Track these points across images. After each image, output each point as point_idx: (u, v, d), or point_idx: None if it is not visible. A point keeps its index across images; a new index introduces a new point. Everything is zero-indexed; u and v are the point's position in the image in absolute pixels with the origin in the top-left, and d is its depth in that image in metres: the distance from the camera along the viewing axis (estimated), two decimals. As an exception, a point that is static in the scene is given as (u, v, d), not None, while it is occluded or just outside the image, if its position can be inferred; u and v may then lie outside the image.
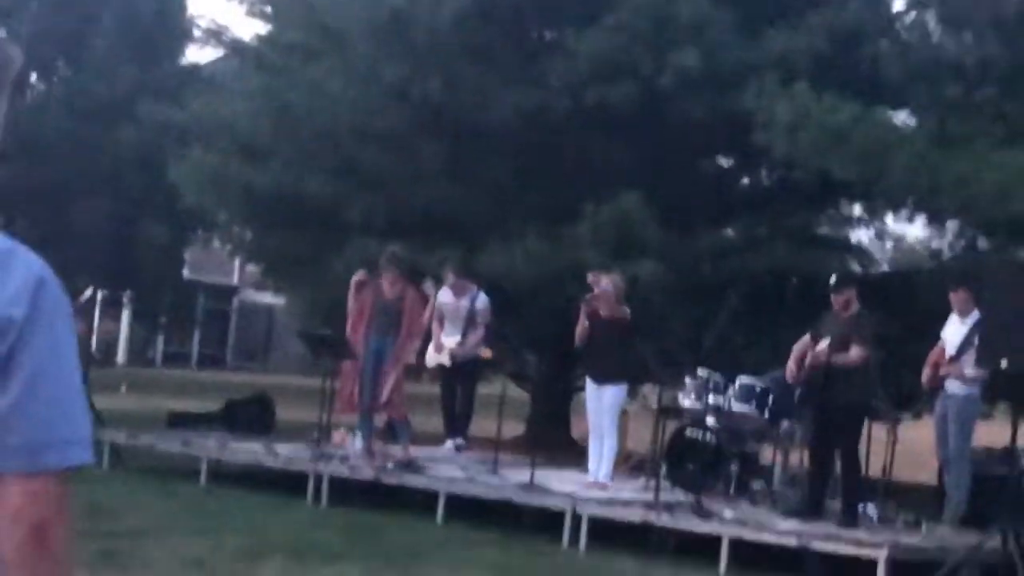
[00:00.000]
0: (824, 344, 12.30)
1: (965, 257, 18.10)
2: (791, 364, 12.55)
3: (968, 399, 12.99)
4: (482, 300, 15.54)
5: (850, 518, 12.19)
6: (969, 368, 12.64)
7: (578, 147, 18.19)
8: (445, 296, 15.59)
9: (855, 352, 12.22)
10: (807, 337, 12.62)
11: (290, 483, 14.22)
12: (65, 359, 2.42)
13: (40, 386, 2.37)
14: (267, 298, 37.66)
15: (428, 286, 15.61)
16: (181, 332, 45.79)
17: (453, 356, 15.44)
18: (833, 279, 12.97)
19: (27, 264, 2.43)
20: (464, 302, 15.54)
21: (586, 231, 16.73)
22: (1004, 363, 11.23)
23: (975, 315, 12.70)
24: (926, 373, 13.04)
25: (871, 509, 12.82)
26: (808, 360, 12.40)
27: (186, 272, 34.08)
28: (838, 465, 12.47)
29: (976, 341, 12.50)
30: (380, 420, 14.80)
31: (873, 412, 12.69)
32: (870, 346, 12.32)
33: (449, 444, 15.82)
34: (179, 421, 17.60)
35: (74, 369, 2.44)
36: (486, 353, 15.48)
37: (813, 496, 12.46)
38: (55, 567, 2.36)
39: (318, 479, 14.01)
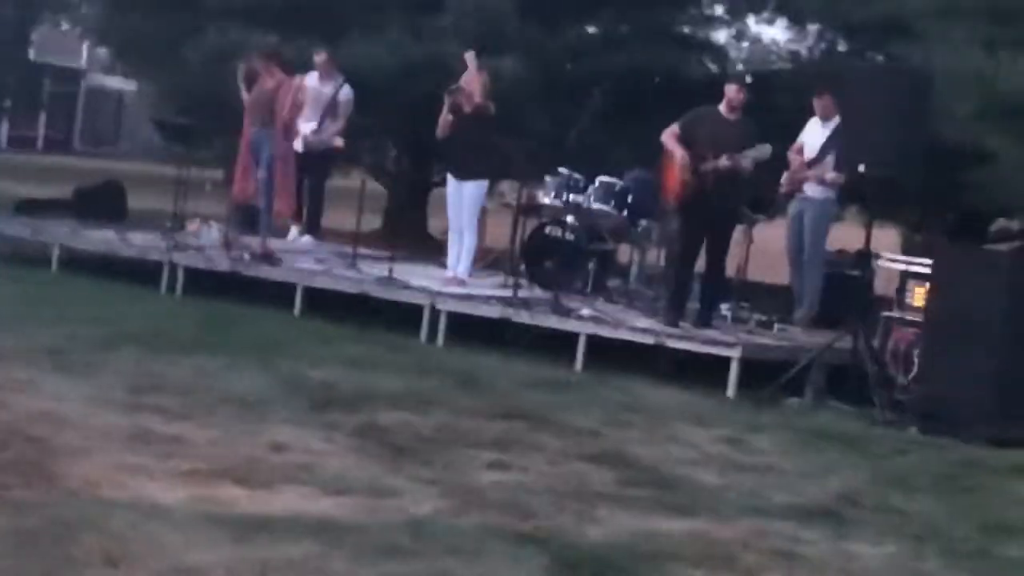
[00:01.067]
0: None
1: (824, 61, 18.18)
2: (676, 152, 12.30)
3: (826, 202, 13.16)
4: (346, 91, 15.35)
5: (707, 319, 12.31)
6: (830, 172, 12.78)
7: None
8: (310, 80, 15.36)
9: (753, 155, 12.00)
10: (675, 127, 12.43)
11: (144, 273, 14.05)
12: None
13: None
14: (117, 83, 36.75)
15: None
16: (27, 116, 44.64)
17: (307, 143, 15.23)
18: (748, 78, 12.86)
19: None
20: (328, 89, 15.34)
21: (448, 23, 16.49)
22: (862, 168, 11.36)
23: (836, 120, 12.80)
24: (786, 177, 13.14)
25: (725, 309, 13.01)
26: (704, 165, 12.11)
27: (32, 54, 33.08)
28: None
29: (836, 145, 12.63)
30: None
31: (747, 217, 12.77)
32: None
33: (293, 232, 15.68)
34: (27, 207, 17.21)
35: None
36: (339, 144, 15.31)
37: (677, 297, 12.45)
38: None
39: (173, 269, 13.85)
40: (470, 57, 13.52)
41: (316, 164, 15.62)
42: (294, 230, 15.72)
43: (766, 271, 14.55)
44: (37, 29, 31.35)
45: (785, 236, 13.38)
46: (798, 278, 13.33)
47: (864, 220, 12.54)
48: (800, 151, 13.19)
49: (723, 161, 11.94)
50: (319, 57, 15.36)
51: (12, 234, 15.19)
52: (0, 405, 7.96)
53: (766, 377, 11.18)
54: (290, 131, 14.90)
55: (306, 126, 15.23)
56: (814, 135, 13.12)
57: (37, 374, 9.03)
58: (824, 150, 12.89)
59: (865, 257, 12.14)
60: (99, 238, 14.97)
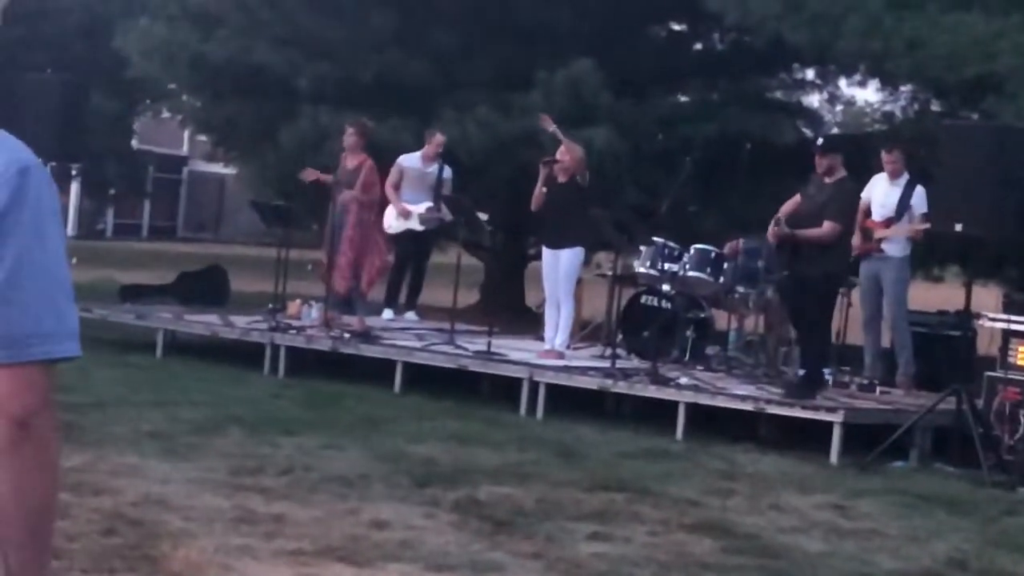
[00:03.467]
0: (775, 224, 12.06)
1: (917, 120, 18.11)
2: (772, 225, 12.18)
3: (904, 260, 13.05)
4: (448, 171, 15.53)
5: (808, 390, 12.09)
6: (917, 226, 12.63)
7: (528, 13, 18.02)
8: (412, 162, 15.54)
9: (826, 227, 11.91)
10: (797, 197, 12.38)
11: (247, 355, 14.20)
12: (51, 250, 2.36)
13: (25, 276, 2.32)
14: (217, 168, 37.33)
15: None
16: (131, 203, 45.42)
17: (424, 221, 15.41)
18: (820, 140, 12.84)
19: (10, 151, 2.36)
20: (431, 169, 15.52)
21: (538, 98, 16.63)
22: (959, 227, 11.28)
23: (906, 176, 12.75)
24: (858, 238, 12.96)
25: (826, 373, 12.93)
26: (769, 232, 12.19)
27: (135, 143, 33.68)
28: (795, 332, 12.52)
29: (913, 202, 12.58)
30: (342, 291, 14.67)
31: (847, 283, 12.66)
32: (845, 218, 12.10)
33: (388, 313, 15.80)
34: (132, 293, 17.52)
35: (61, 260, 2.38)
36: (450, 218, 15.47)
37: (808, 369, 12.27)
38: (39, 459, 2.33)
39: (275, 350, 14.00)
40: (562, 155, 13.49)
41: (422, 241, 15.81)
42: (387, 312, 15.83)
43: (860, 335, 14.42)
44: (139, 118, 31.94)
45: (860, 298, 13.23)
46: (871, 339, 13.14)
47: (964, 280, 12.43)
48: (866, 212, 13.04)
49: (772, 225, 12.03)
50: (440, 138, 15.55)
51: (117, 320, 15.43)
52: (106, 490, 8.07)
53: (869, 441, 11.08)
54: (378, 211, 14.95)
55: (419, 206, 15.38)
56: (884, 192, 13.00)
57: (141, 458, 9.15)
58: (902, 207, 12.79)
59: (966, 317, 12.03)
60: (202, 322, 15.17)
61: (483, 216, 14.42)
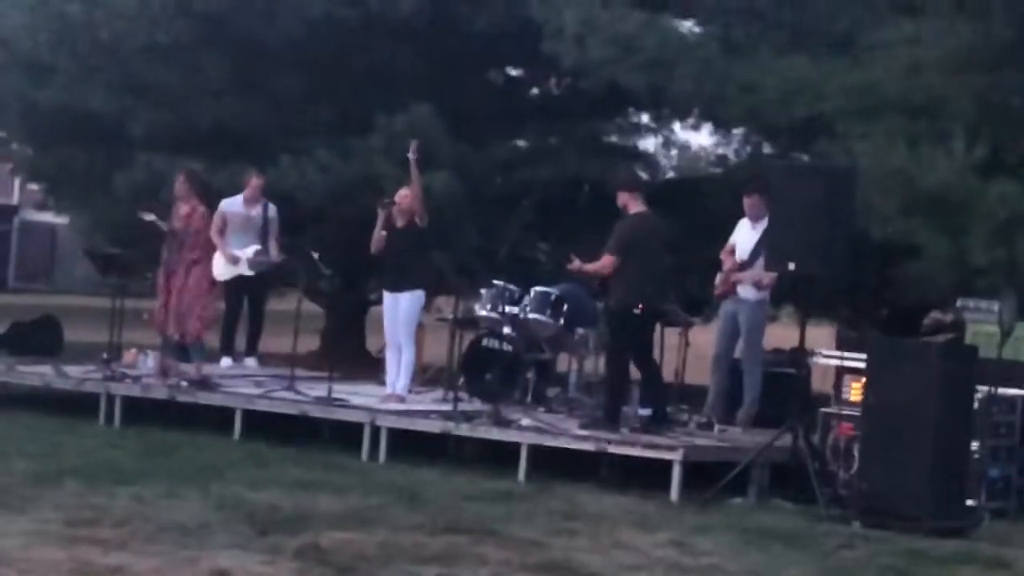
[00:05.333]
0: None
1: (750, 163, 18.42)
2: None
3: (760, 303, 13.24)
4: (273, 209, 15.42)
5: (609, 424, 12.31)
6: (765, 274, 12.81)
7: (367, 58, 18.00)
8: (234, 206, 15.39)
9: (603, 260, 12.47)
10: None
11: (82, 405, 13.96)
12: None
13: None
14: (49, 217, 36.65)
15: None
16: (-39, 254, 44.47)
17: (254, 265, 15.26)
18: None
19: None
20: (256, 212, 15.39)
21: (378, 143, 16.62)
22: (791, 266, 11.49)
23: (766, 221, 12.94)
24: (720, 278, 13.19)
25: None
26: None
27: (-36, 192, 33.03)
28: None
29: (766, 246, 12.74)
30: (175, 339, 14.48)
31: (654, 316, 12.73)
32: (622, 251, 12.37)
33: (226, 361, 15.65)
34: (-38, 345, 17.08)
35: None
36: (279, 259, 15.34)
37: (608, 405, 12.53)
38: None
39: (110, 399, 13.78)
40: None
41: (256, 286, 15.68)
42: (225, 360, 15.66)
43: (708, 374, 14.57)
44: (-33, 168, 31.29)
45: (715, 336, 13.41)
46: (718, 377, 13.30)
47: (798, 318, 12.65)
48: (732, 252, 13.29)
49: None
50: (257, 180, 15.41)
51: (-53, 373, 15.05)
52: (-64, 545, 7.86)
53: (709, 479, 11.20)
54: (209, 257, 14.77)
55: (247, 250, 15.25)
56: (745, 237, 13.21)
57: (-26, 512, 8.93)
58: (756, 252, 12.96)
59: (801, 355, 12.24)
60: (35, 373, 14.86)
61: (315, 255, 14.31)
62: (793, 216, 11.42)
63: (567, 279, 13.64)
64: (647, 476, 11.47)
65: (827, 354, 12.43)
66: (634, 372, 12.67)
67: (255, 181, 15.45)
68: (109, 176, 17.92)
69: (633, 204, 12.63)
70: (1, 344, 17.01)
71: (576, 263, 12.80)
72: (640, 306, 12.32)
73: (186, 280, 14.05)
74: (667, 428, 12.38)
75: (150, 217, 14.48)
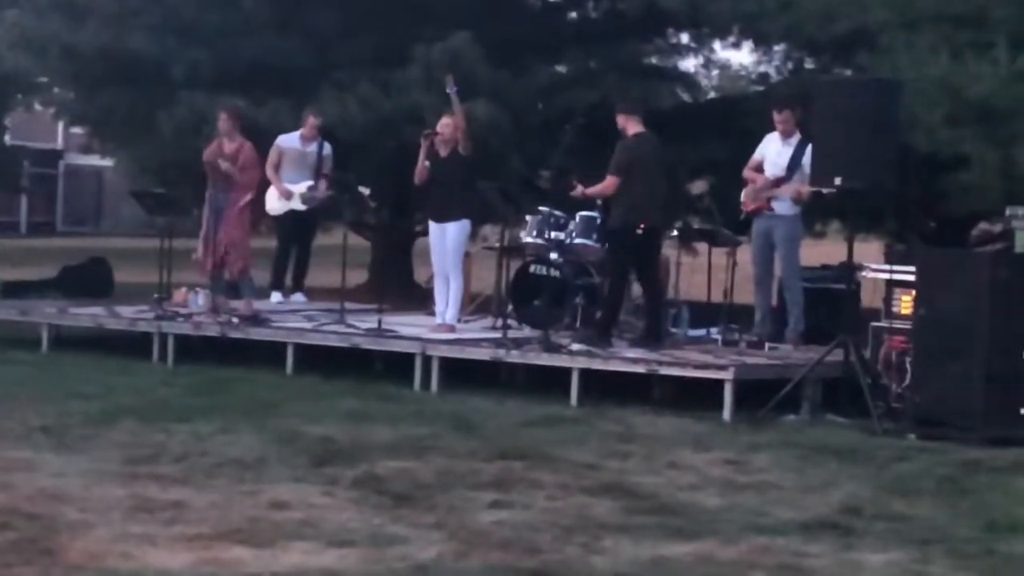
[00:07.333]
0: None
1: (792, 79, 18.29)
2: None
3: (796, 218, 13.20)
4: (328, 148, 15.48)
5: (651, 340, 12.55)
6: (802, 187, 12.79)
7: (403, -11, 17.97)
8: (291, 142, 15.47)
9: (605, 182, 12.67)
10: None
11: (134, 345, 14.07)
12: None
13: None
14: (94, 160, 36.80)
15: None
16: (7, 201, 44.72)
17: (307, 201, 15.34)
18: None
19: None
20: (311, 149, 15.45)
21: (417, 73, 16.60)
22: (838, 181, 11.43)
23: (798, 136, 12.89)
24: (749, 194, 13.14)
25: (715, 333, 13.07)
26: None
27: (8, 138, 33.17)
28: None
29: (804, 161, 12.69)
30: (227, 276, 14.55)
31: (655, 235, 12.82)
32: (621, 172, 12.51)
33: (276, 296, 15.74)
34: (14, 290, 17.23)
35: None
36: (328, 194, 15.41)
37: (602, 321, 12.82)
38: None
39: (163, 338, 13.86)
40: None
41: (307, 222, 15.75)
42: (275, 295, 15.75)
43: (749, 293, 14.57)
44: (11, 113, 31.42)
45: (751, 255, 13.38)
46: (761, 296, 13.31)
47: (846, 234, 12.59)
48: (758, 168, 13.23)
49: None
50: (315, 120, 15.48)
51: (1, 317, 15.18)
52: (-1, 486, 7.97)
53: (761, 397, 11.21)
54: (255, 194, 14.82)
55: (300, 185, 15.32)
56: (776, 152, 13.15)
57: (34, 453, 9.03)
58: (792, 166, 12.94)
59: (850, 269, 12.20)
60: (87, 315, 14.98)
61: (366, 191, 14.33)
62: (839, 130, 11.36)
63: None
64: (699, 397, 11.49)
65: (876, 268, 12.38)
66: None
67: (313, 120, 15.53)
68: (152, 117, 17.97)
69: (632, 125, 12.77)
70: (53, 287, 17.16)
71: (579, 188, 13.00)
72: (642, 225, 12.45)
73: (234, 216, 14.10)
74: (659, 346, 12.58)
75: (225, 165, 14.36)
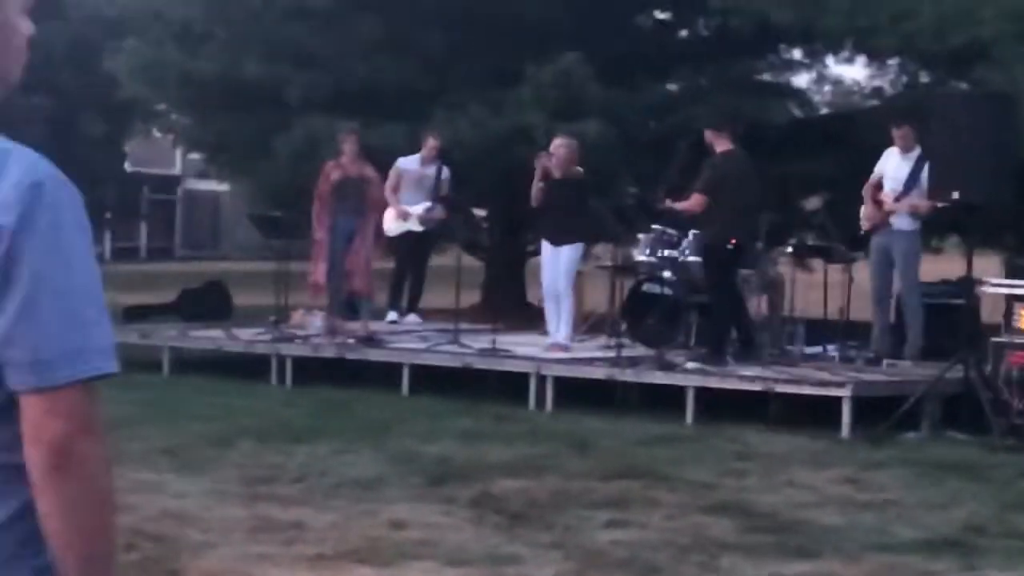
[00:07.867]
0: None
1: (907, 93, 18.12)
2: None
3: (915, 234, 13.06)
4: (446, 171, 15.59)
5: (715, 357, 12.51)
6: (922, 201, 12.65)
7: (514, 9, 18.03)
8: (410, 164, 15.61)
9: (692, 199, 12.67)
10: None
11: (253, 367, 14.22)
12: (75, 266, 2.21)
13: (43, 297, 2.18)
14: (212, 185, 37.37)
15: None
16: (127, 226, 45.46)
17: (424, 222, 15.47)
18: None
19: (24, 166, 2.24)
20: (430, 171, 15.58)
21: (528, 94, 16.66)
22: (956, 195, 11.30)
23: (917, 151, 12.76)
24: (868, 212, 13.03)
25: (831, 349, 12.96)
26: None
27: (128, 165, 33.77)
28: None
29: (923, 176, 12.55)
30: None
31: (742, 251, 12.75)
32: (709, 190, 12.51)
33: (392, 315, 15.88)
34: (135, 314, 17.52)
35: (88, 275, 2.23)
36: (445, 215, 15.56)
37: (717, 338, 12.84)
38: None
39: (281, 360, 14.02)
40: (555, 149, 13.60)
41: (423, 243, 15.89)
42: (392, 314, 15.90)
43: (868, 310, 14.44)
44: (131, 140, 31.99)
45: (870, 271, 13.26)
46: (880, 313, 13.19)
47: (964, 249, 12.44)
48: (878, 185, 13.10)
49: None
50: (434, 141, 15.63)
51: (122, 341, 15.39)
52: (123, 507, 8.08)
53: (878, 414, 11.10)
54: (383, 215, 15.08)
55: (418, 207, 15.46)
56: (896, 167, 13.03)
57: (157, 474, 9.18)
58: (910, 181, 12.81)
59: (969, 284, 12.05)
60: (207, 337, 15.18)
61: (480, 213, 14.46)
62: (957, 145, 11.25)
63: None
64: (816, 415, 11.40)
65: (995, 283, 12.21)
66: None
67: (432, 142, 15.66)
68: (267, 141, 18.20)
69: (720, 143, 12.75)
70: (172, 311, 17.41)
71: (667, 202, 13.02)
72: (732, 241, 12.47)
73: (369, 239, 14.36)
74: (720, 362, 12.53)
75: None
